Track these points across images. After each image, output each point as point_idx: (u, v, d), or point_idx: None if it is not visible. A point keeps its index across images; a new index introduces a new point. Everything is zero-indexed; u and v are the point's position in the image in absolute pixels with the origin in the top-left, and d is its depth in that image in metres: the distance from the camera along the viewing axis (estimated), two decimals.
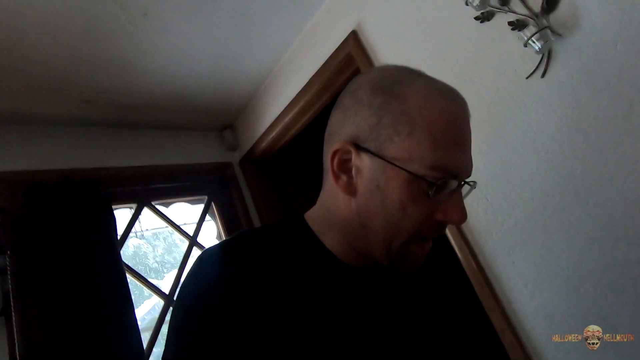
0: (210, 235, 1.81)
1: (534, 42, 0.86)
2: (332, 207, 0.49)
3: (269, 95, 1.76)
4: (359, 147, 0.44)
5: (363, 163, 0.44)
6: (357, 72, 1.41)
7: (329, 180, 0.49)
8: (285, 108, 1.66)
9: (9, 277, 1.09)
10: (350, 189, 0.46)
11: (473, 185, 0.49)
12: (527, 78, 0.93)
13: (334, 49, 1.42)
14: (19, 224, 1.19)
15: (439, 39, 1.11)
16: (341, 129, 0.46)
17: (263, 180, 1.93)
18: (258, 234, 0.50)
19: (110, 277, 1.24)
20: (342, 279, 0.48)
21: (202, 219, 1.75)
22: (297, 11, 1.41)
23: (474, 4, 0.96)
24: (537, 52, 0.88)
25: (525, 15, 0.90)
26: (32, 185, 1.27)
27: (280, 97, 1.69)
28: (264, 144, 1.84)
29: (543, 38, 0.86)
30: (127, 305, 1.24)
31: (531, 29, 0.88)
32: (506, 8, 0.94)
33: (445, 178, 0.42)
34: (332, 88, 1.53)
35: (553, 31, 0.87)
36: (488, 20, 0.99)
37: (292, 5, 1.37)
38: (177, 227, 1.65)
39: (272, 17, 1.37)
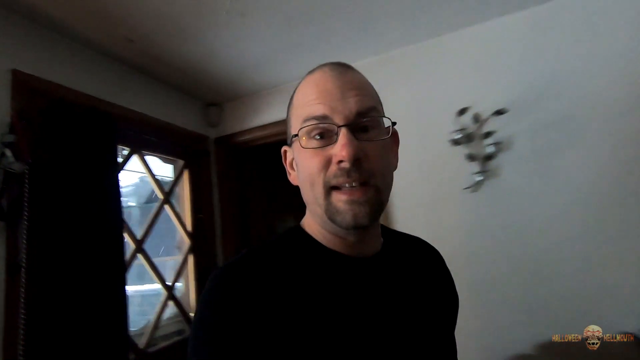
0: (177, 196, 1.94)
1: (477, 173, 1.50)
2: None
3: (274, 99, 2.04)
4: (288, 146, 0.57)
5: (292, 155, 0.56)
6: None
7: None
8: (280, 121, 1.99)
9: (26, 184, 1.12)
10: (295, 179, 0.56)
11: (370, 124, 0.49)
12: (463, 189, 1.56)
13: None
14: (39, 133, 1.21)
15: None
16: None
17: (232, 165, 2.16)
18: (264, 249, 0.53)
19: (111, 205, 1.35)
20: (344, 272, 0.51)
21: (176, 180, 1.88)
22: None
23: (455, 135, 1.55)
24: (476, 177, 1.51)
25: (475, 155, 1.54)
26: (55, 100, 1.28)
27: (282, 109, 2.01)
28: (247, 136, 2.09)
29: (482, 171, 1.50)
30: (120, 229, 1.37)
31: (476, 165, 1.51)
32: (470, 144, 1.55)
33: (318, 126, 0.48)
34: None
35: (486, 171, 1.51)
36: (457, 144, 1.58)
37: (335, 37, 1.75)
38: (158, 182, 1.76)
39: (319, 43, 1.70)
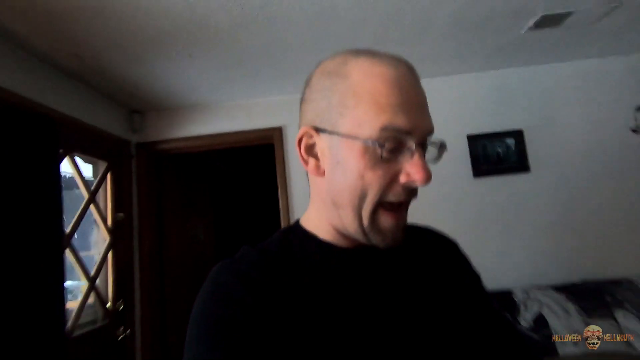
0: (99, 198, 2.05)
1: None
2: (315, 196, 0.52)
3: (197, 116, 2.36)
4: (318, 130, 0.48)
5: (324, 144, 0.48)
6: (270, 146, 2.35)
7: (307, 171, 0.51)
8: (207, 135, 2.33)
9: None
10: (319, 171, 0.49)
11: (438, 144, 0.48)
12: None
13: (266, 126, 2.32)
14: None
15: None
16: (303, 118, 0.50)
17: (152, 169, 2.36)
18: (265, 246, 0.52)
19: (51, 205, 1.51)
20: (344, 266, 0.50)
21: (100, 181, 2.02)
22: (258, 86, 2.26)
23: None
24: None
25: None
26: None
27: (207, 125, 2.34)
28: (168, 145, 2.35)
29: None
30: (61, 229, 1.52)
31: None
32: None
33: (395, 137, 0.43)
34: (243, 144, 2.39)
35: None
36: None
37: (259, 79, 2.21)
38: (85, 182, 1.87)
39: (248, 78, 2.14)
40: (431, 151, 0.48)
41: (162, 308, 2.26)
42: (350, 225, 0.47)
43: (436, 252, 0.59)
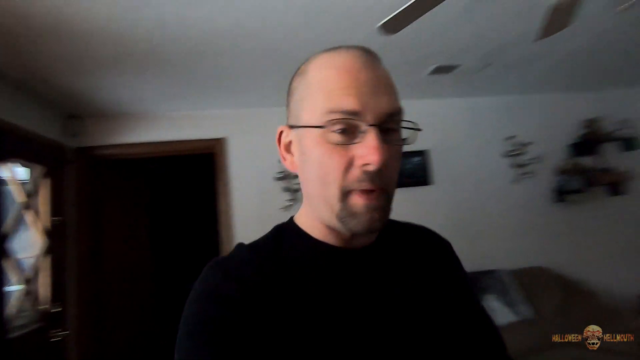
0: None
1: (288, 200, 2.45)
2: (303, 193, 0.52)
3: (141, 124, 2.46)
4: (291, 127, 0.50)
5: (295, 139, 0.50)
6: (210, 155, 2.55)
7: None
8: (151, 142, 2.45)
9: None
10: (293, 165, 0.51)
11: (394, 127, 0.46)
12: None
13: (208, 136, 2.51)
14: None
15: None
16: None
17: (90, 174, 2.40)
18: (258, 243, 0.51)
19: None
20: (336, 265, 0.49)
21: (36, 185, 2.03)
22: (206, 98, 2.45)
23: None
24: (287, 202, 2.47)
25: (289, 188, 2.50)
26: None
27: (151, 133, 2.46)
28: (109, 150, 2.42)
29: (292, 199, 2.46)
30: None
31: (289, 194, 2.48)
32: (285, 180, 2.50)
33: (344, 120, 0.42)
34: (186, 152, 2.55)
35: (294, 199, 2.50)
36: (279, 180, 2.51)
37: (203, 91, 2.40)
38: (21, 186, 1.89)
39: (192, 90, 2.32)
40: (405, 133, 0.47)
41: (98, 310, 2.32)
42: (325, 215, 0.47)
43: (428, 251, 0.59)
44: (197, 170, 3.91)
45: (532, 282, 2.46)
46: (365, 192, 0.44)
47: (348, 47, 0.48)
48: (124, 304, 2.56)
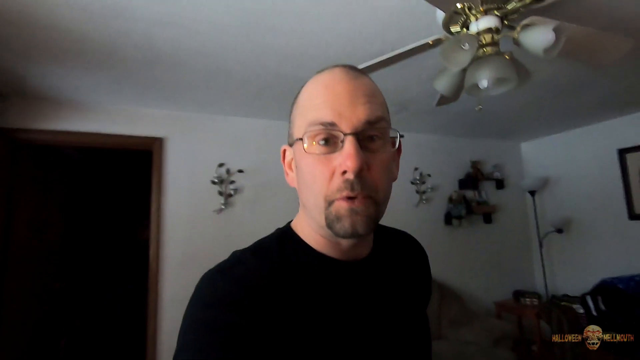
0: None
1: (222, 203, 2.62)
2: (300, 204, 0.54)
3: (73, 111, 2.39)
4: (290, 145, 0.54)
5: (292, 155, 0.54)
6: (148, 153, 2.59)
7: None
8: (80, 133, 2.40)
9: None
10: (293, 181, 0.55)
11: (376, 135, 0.48)
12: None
13: (147, 134, 2.55)
14: None
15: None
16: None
17: (5, 157, 2.26)
18: (257, 252, 0.52)
19: None
20: (335, 278, 0.51)
21: None
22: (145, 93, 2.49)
23: None
24: (222, 205, 2.63)
25: (223, 192, 2.67)
26: None
27: (82, 122, 2.41)
28: (40, 136, 2.31)
29: (225, 203, 2.64)
30: None
31: (222, 198, 2.65)
32: (221, 185, 2.67)
33: (324, 131, 0.46)
34: (121, 147, 2.56)
35: (227, 203, 2.67)
36: (214, 184, 2.67)
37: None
38: None
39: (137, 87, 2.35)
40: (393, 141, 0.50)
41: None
42: (318, 222, 0.49)
43: (414, 261, 0.63)
44: (128, 167, 3.79)
45: None
46: (349, 197, 0.46)
47: (333, 66, 0.52)
48: (27, 297, 2.42)
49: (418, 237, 0.62)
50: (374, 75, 1.92)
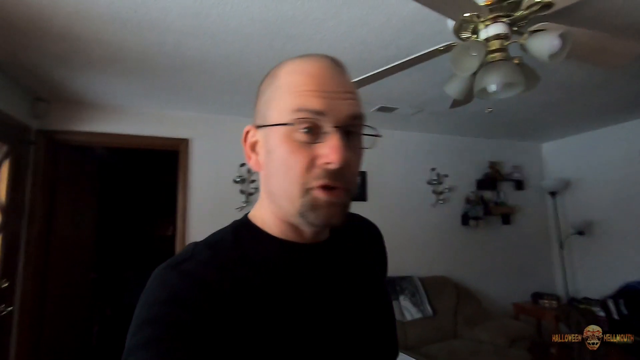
0: None
1: (244, 201, 2.75)
2: (262, 192, 0.54)
3: (108, 115, 2.58)
4: (258, 127, 0.52)
5: (261, 138, 0.51)
6: (175, 153, 2.75)
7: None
8: (113, 134, 2.59)
9: None
10: (257, 165, 0.52)
11: (356, 131, 0.48)
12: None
13: (174, 136, 2.71)
14: None
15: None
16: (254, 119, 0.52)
17: (50, 157, 2.47)
18: (214, 243, 0.50)
19: None
20: (294, 259, 0.51)
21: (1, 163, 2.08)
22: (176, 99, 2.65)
23: None
24: (243, 203, 2.76)
25: (244, 190, 2.80)
26: None
27: (115, 124, 2.59)
28: (70, 137, 2.51)
29: (246, 201, 2.77)
30: None
31: (244, 196, 2.78)
32: (243, 184, 2.80)
33: (309, 119, 0.45)
34: (151, 147, 2.73)
35: (248, 201, 2.80)
36: (236, 183, 2.80)
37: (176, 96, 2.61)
38: None
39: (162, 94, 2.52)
40: (367, 139, 0.50)
41: (43, 289, 2.38)
42: (287, 211, 0.48)
43: (369, 242, 0.65)
44: (157, 167, 4.00)
45: (435, 287, 3.04)
46: (328, 188, 0.46)
47: (317, 56, 0.51)
48: (67, 285, 2.63)
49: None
50: (390, 79, 1.99)
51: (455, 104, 1.67)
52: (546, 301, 3.24)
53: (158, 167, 4.20)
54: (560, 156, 3.86)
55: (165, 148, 2.77)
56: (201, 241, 0.51)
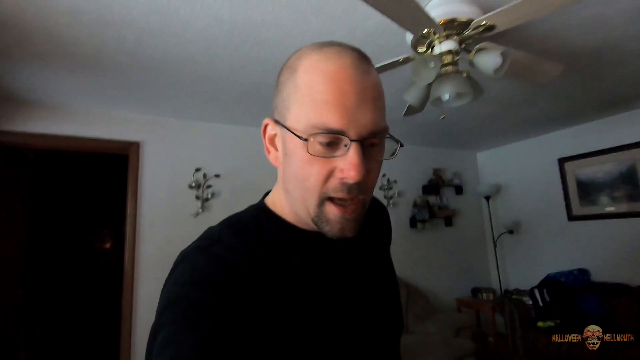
0: None
1: (200, 207, 2.68)
2: (279, 181, 0.54)
3: (45, 113, 2.36)
4: (276, 121, 0.50)
5: (279, 134, 0.50)
6: (123, 157, 2.60)
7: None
8: (53, 136, 2.38)
9: None
10: (276, 161, 0.52)
11: (376, 143, 0.47)
12: None
13: (123, 138, 2.56)
14: None
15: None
16: (274, 109, 0.51)
17: None
18: (236, 229, 0.51)
19: None
20: (313, 248, 0.52)
21: None
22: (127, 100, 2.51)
23: None
24: (199, 209, 2.68)
25: (199, 196, 2.72)
26: None
27: (55, 125, 2.38)
28: (11, 138, 2.26)
29: (202, 206, 2.69)
30: None
31: (199, 202, 2.70)
32: (197, 189, 2.72)
33: (327, 135, 0.43)
34: (94, 151, 2.55)
35: (203, 207, 2.72)
36: (191, 188, 2.71)
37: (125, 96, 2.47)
38: None
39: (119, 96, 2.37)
40: (388, 147, 0.49)
41: None
42: (301, 213, 0.49)
43: (378, 224, 0.66)
44: (98, 172, 3.70)
45: None
46: (342, 203, 0.46)
47: (340, 49, 0.47)
48: None
49: None
50: None
51: (410, 111, 1.82)
52: (484, 294, 3.57)
53: (99, 172, 3.89)
54: (492, 164, 4.31)
55: (113, 152, 2.60)
56: (222, 225, 0.52)
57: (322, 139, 0.44)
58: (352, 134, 0.44)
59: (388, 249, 0.70)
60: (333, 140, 0.44)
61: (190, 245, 0.50)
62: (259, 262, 0.47)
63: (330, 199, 0.46)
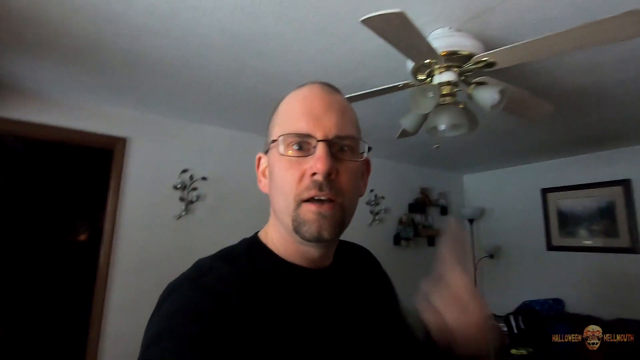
0: None
1: (183, 209, 2.61)
2: (271, 214, 0.57)
3: (33, 103, 2.27)
4: (265, 153, 0.58)
5: (267, 163, 0.57)
6: (109, 153, 2.52)
7: None
8: (37, 124, 2.29)
9: None
10: (265, 187, 0.58)
11: (347, 147, 0.52)
12: None
13: (110, 133, 2.49)
14: None
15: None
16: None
17: None
18: (225, 262, 0.52)
19: None
20: (302, 284, 0.53)
21: None
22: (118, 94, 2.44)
23: None
24: (182, 212, 2.62)
25: (184, 198, 2.66)
26: None
27: (43, 114, 2.30)
28: (6, 126, 2.16)
29: (186, 209, 2.63)
30: None
31: (183, 204, 2.64)
32: (183, 191, 2.66)
33: (297, 140, 0.50)
34: (78, 143, 2.47)
35: (188, 209, 2.66)
36: (176, 189, 2.65)
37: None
38: None
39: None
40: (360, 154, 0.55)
41: None
42: (287, 226, 0.51)
43: (369, 269, 0.69)
44: (83, 164, 3.58)
45: None
46: (317, 201, 0.49)
47: (312, 83, 0.57)
48: None
49: None
50: None
51: (403, 134, 1.83)
52: None
53: (81, 165, 3.77)
54: (477, 187, 4.38)
55: (98, 145, 2.51)
56: (214, 257, 0.54)
57: (292, 139, 0.51)
58: (319, 135, 0.50)
59: (395, 299, 0.71)
60: (302, 142, 0.51)
61: (179, 277, 0.50)
62: (249, 294, 0.47)
63: (305, 201, 0.50)
